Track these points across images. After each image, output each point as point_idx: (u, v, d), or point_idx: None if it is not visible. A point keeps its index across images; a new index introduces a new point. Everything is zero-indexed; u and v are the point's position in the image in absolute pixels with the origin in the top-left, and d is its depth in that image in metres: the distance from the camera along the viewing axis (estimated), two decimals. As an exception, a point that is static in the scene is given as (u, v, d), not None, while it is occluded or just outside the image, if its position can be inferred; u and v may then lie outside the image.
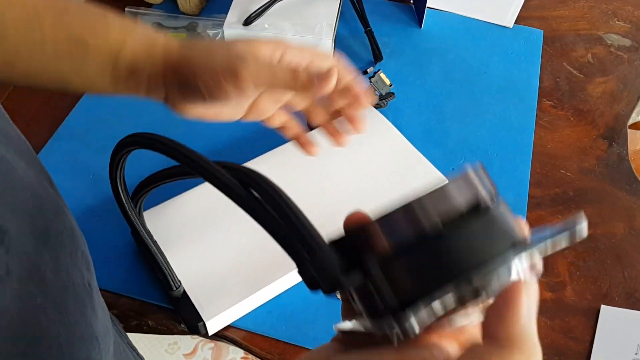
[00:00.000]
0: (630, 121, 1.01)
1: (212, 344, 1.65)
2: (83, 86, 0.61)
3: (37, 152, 0.91)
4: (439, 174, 0.84)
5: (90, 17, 0.58)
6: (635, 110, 1.02)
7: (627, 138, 0.95)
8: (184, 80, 0.57)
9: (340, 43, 1.07)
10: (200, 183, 0.82)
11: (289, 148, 0.87)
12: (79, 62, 0.57)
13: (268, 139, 0.91)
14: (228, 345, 0.83)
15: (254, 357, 0.74)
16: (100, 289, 0.77)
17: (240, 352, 1.64)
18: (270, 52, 0.57)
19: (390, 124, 0.90)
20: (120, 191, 0.62)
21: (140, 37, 0.58)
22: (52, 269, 0.42)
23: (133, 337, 0.76)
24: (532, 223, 0.83)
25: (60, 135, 0.92)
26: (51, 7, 0.56)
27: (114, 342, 0.62)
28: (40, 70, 0.58)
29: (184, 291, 0.72)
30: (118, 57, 0.57)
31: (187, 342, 1.67)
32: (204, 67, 0.55)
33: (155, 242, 0.68)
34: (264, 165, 0.84)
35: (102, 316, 0.53)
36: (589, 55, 1.08)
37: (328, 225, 0.76)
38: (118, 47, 0.57)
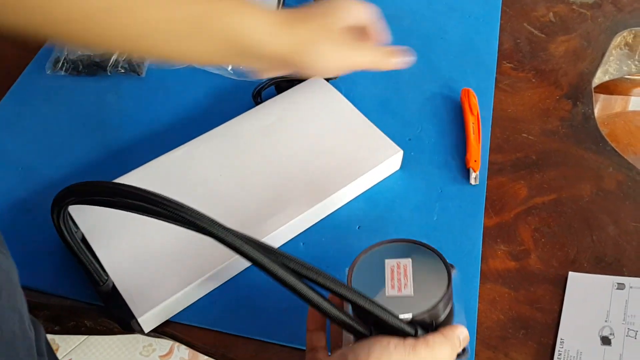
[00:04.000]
0: (597, 81, 0.96)
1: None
2: (194, 61, 0.73)
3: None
4: (394, 144, 0.79)
5: None
6: (601, 70, 0.97)
7: (592, 97, 0.90)
8: (296, 66, 0.66)
9: (288, 15, 1.01)
10: (129, 171, 0.77)
11: (235, 124, 0.82)
12: (195, 42, 0.60)
13: (211, 117, 0.86)
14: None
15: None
16: (30, 289, 0.72)
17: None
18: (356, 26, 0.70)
19: (341, 95, 0.85)
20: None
21: (254, 17, 0.61)
22: None
23: (104, 339, 0.71)
24: (494, 190, 0.79)
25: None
26: None
27: None
28: (153, 47, 0.59)
29: (114, 286, 0.67)
30: (233, 39, 0.61)
31: (163, 343, 1.62)
32: (320, 57, 0.66)
33: (71, 233, 0.63)
34: (212, 141, 0.79)
35: None
36: (551, 14, 1.03)
37: (278, 198, 0.71)
38: (232, 29, 0.60)
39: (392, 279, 0.58)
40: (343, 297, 0.50)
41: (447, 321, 0.56)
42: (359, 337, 0.53)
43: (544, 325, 0.68)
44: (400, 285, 0.57)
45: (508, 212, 0.77)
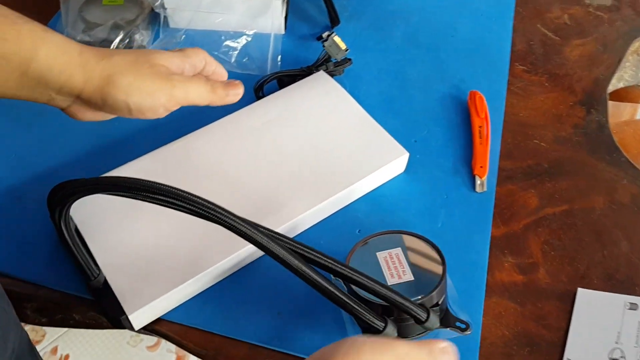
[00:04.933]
0: (611, 87, 0.92)
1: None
2: None
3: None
4: (399, 146, 0.75)
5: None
6: (616, 76, 0.93)
7: (607, 104, 0.86)
8: (109, 98, 0.59)
9: (293, 6, 0.98)
10: (124, 162, 0.74)
11: (236, 118, 0.78)
12: None
13: (211, 109, 0.82)
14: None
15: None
16: (18, 279, 0.69)
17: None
18: (179, 65, 0.64)
19: (345, 92, 0.81)
20: None
21: (54, 47, 0.57)
22: None
23: (73, 332, 0.69)
24: (503, 198, 0.75)
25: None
26: None
27: None
28: None
29: (105, 281, 0.64)
30: (29, 67, 0.56)
31: (152, 333, 1.60)
32: (136, 88, 0.59)
33: (68, 226, 0.60)
34: (211, 135, 0.77)
35: None
36: (566, 16, 1.00)
37: (276, 197, 0.69)
38: (30, 57, 0.56)
39: (389, 269, 0.61)
40: (360, 285, 0.54)
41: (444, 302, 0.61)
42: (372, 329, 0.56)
43: (550, 343, 0.64)
44: (399, 272, 0.60)
45: (517, 222, 0.73)
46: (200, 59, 0.66)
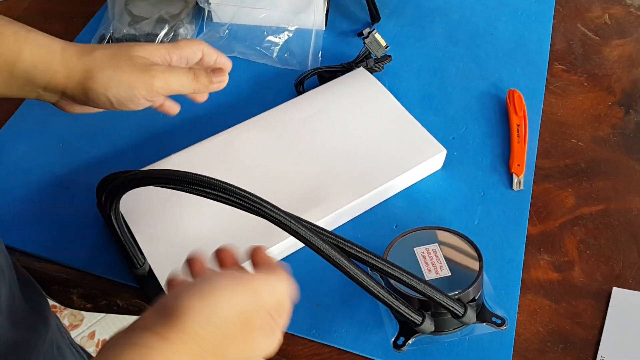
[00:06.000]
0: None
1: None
2: None
3: (8, 119, 0.85)
4: (437, 143, 0.77)
5: None
6: (656, 76, 0.93)
7: (646, 105, 0.86)
8: (90, 92, 0.60)
9: (334, 2, 0.99)
10: (168, 154, 0.76)
11: (277, 113, 0.80)
12: None
13: (252, 104, 0.84)
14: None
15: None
16: (66, 266, 0.72)
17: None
18: (164, 56, 0.64)
19: (385, 89, 0.83)
20: None
21: (37, 47, 0.59)
22: None
23: (111, 318, 0.71)
24: (539, 197, 0.76)
25: (32, 101, 0.85)
26: None
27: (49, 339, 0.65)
28: None
29: (150, 270, 0.66)
30: (15, 67, 0.58)
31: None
32: (115, 81, 0.60)
33: (118, 217, 0.62)
34: (252, 129, 0.78)
35: None
36: (606, 15, 0.99)
37: (315, 191, 0.71)
38: (15, 57, 0.58)
39: (427, 264, 0.63)
40: (400, 280, 0.55)
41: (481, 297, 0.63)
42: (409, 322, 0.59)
43: (584, 341, 0.65)
44: (436, 268, 0.62)
45: (553, 221, 0.74)
46: (194, 50, 0.66)
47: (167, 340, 0.39)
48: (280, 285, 0.47)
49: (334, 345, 0.65)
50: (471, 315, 0.59)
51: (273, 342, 0.46)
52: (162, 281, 0.65)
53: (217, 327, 0.41)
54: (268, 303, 0.45)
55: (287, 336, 0.66)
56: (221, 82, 0.67)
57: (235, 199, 0.52)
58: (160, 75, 0.62)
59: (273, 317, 0.45)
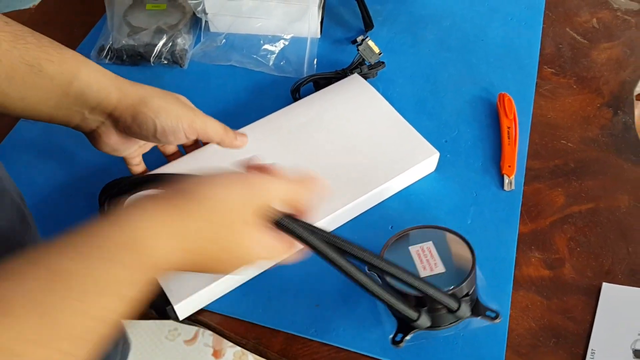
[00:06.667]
0: (638, 89, 0.95)
1: (212, 329, 1.62)
2: (22, 110, 0.63)
3: (10, 129, 0.87)
4: (430, 146, 0.79)
5: (45, 46, 0.61)
6: (644, 78, 0.96)
7: (633, 106, 0.89)
8: (140, 115, 0.65)
9: (329, 11, 1.02)
10: (167, 162, 0.78)
11: (274, 119, 0.82)
12: (29, 87, 0.60)
13: (250, 111, 0.86)
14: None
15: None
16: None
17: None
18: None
19: (379, 94, 0.85)
20: None
21: (94, 70, 0.64)
22: None
23: (132, 322, 0.72)
24: (530, 197, 0.78)
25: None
26: (7, 32, 0.59)
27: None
28: None
29: (153, 273, 0.68)
30: (71, 85, 0.62)
31: (188, 328, 1.64)
32: (165, 110, 0.66)
33: None
34: (251, 135, 0.79)
35: None
36: (594, 20, 1.02)
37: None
38: (71, 76, 0.62)
39: (421, 262, 0.65)
40: (396, 278, 0.58)
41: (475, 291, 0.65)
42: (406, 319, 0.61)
43: (575, 335, 0.67)
44: (431, 265, 0.64)
45: (544, 220, 0.76)
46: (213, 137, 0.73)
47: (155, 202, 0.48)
48: (275, 183, 0.54)
49: (333, 344, 0.67)
50: (465, 309, 0.61)
51: (268, 243, 0.52)
52: (165, 286, 0.67)
53: (215, 202, 0.49)
54: (262, 198, 0.51)
55: (287, 336, 0.68)
56: (243, 143, 0.75)
57: None
58: (202, 117, 0.70)
59: (269, 215, 0.52)
